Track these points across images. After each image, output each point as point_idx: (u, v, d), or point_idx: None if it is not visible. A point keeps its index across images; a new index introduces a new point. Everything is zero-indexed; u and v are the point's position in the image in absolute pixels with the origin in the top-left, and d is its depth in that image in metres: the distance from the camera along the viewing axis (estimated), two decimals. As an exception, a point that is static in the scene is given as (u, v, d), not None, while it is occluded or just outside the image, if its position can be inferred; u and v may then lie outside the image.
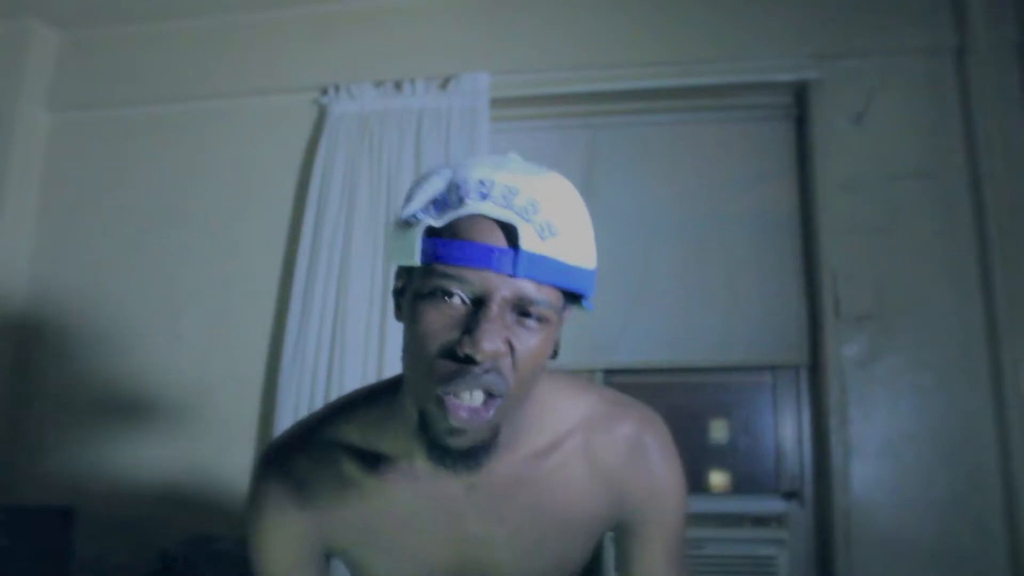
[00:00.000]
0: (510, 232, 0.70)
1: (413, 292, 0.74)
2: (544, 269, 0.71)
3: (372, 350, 2.28)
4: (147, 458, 2.45)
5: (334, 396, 2.25)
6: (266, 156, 2.63)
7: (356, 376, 2.26)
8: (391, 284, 2.30)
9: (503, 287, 0.70)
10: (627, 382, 2.38)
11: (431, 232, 0.72)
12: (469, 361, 0.69)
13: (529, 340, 0.73)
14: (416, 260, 0.72)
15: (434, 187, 0.75)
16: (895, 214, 2.18)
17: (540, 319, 0.73)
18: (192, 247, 2.61)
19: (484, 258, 0.69)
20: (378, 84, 2.52)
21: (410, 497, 0.85)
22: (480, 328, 0.68)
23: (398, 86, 2.50)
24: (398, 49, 2.59)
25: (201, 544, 2.10)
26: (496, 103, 2.45)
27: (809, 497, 2.24)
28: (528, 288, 0.70)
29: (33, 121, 2.79)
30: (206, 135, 2.70)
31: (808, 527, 2.23)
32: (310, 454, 0.88)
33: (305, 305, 2.36)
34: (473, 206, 0.71)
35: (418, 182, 0.78)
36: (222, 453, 2.42)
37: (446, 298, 0.71)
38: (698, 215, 2.41)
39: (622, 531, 0.93)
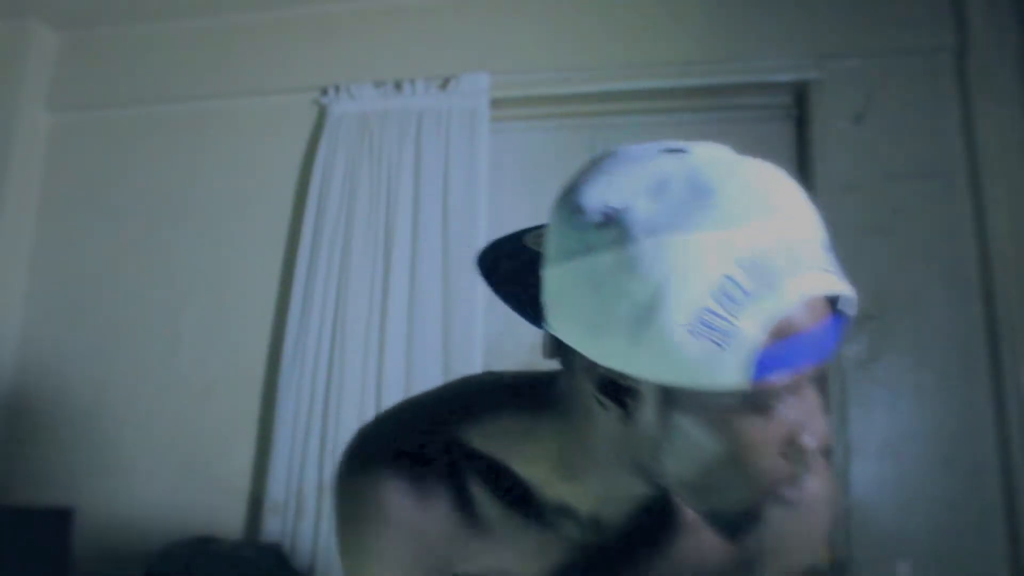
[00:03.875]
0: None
1: (693, 400, 0.53)
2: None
3: (372, 350, 2.28)
4: (147, 458, 2.45)
5: (334, 396, 2.26)
6: (266, 156, 2.63)
7: (356, 376, 2.26)
8: (392, 284, 2.31)
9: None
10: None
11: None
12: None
13: None
14: (738, 382, 0.50)
15: (715, 264, 0.48)
16: (895, 214, 2.18)
17: None
18: (192, 247, 2.61)
19: (824, 348, 0.52)
20: (378, 84, 2.52)
21: (550, 546, 0.66)
22: (822, 418, 0.55)
23: (398, 86, 2.50)
24: (398, 49, 2.59)
25: (201, 544, 2.10)
26: (496, 103, 2.44)
27: (809, 497, 2.24)
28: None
29: (33, 121, 2.79)
30: (206, 135, 2.70)
31: (808, 527, 2.22)
32: (432, 457, 0.67)
33: (305, 305, 2.36)
34: (810, 283, 0.50)
35: (655, 252, 0.49)
36: (222, 453, 2.42)
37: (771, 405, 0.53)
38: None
39: None
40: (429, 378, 2.24)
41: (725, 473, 0.55)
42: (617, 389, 0.55)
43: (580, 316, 0.52)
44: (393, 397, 2.23)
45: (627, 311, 0.50)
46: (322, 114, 2.57)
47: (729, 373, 0.49)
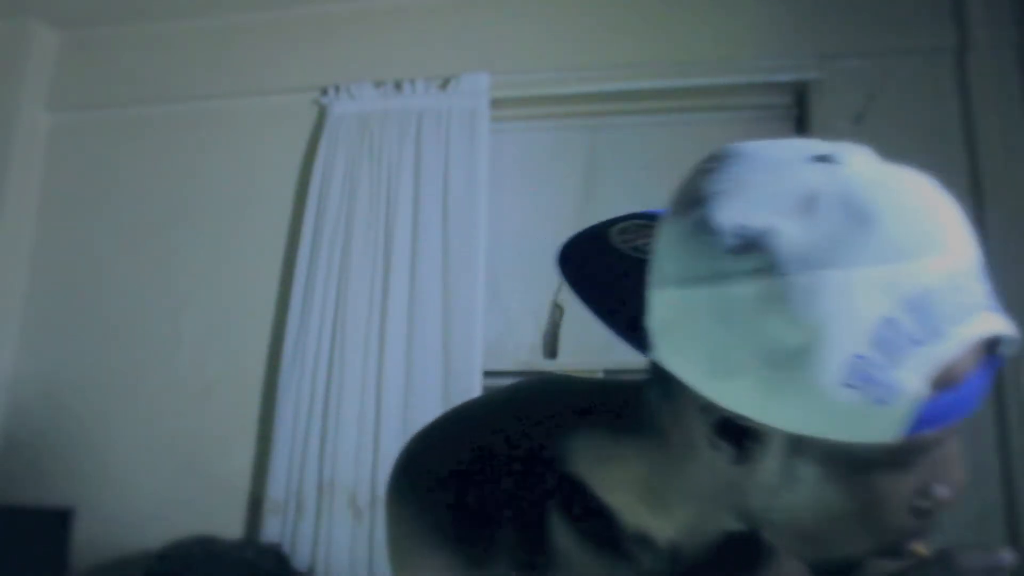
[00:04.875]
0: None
1: (826, 450, 0.46)
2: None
3: (372, 350, 2.28)
4: (147, 458, 2.45)
5: (334, 396, 2.26)
6: (266, 156, 2.63)
7: (356, 376, 2.26)
8: (392, 284, 2.31)
9: None
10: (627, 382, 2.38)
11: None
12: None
13: None
14: (890, 437, 0.44)
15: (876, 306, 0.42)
16: (895, 214, 2.18)
17: None
18: (192, 247, 2.61)
19: (982, 396, 0.46)
20: (378, 84, 2.52)
21: None
22: (959, 468, 0.50)
23: (398, 86, 2.50)
24: (398, 49, 2.59)
25: (201, 544, 2.10)
26: (496, 103, 2.44)
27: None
28: None
29: (33, 121, 2.79)
30: (206, 135, 2.70)
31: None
32: (499, 474, 0.59)
33: (305, 305, 2.36)
34: (978, 326, 0.44)
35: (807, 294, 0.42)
36: (222, 453, 2.42)
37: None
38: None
39: None
40: (429, 378, 2.24)
41: (844, 525, 0.49)
42: (736, 431, 0.48)
43: (702, 351, 0.46)
44: (393, 397, 2.23)
45: (767, 354, 0.43)
46: (322, 114, 2.57)
47: (882, 428, 0.43)
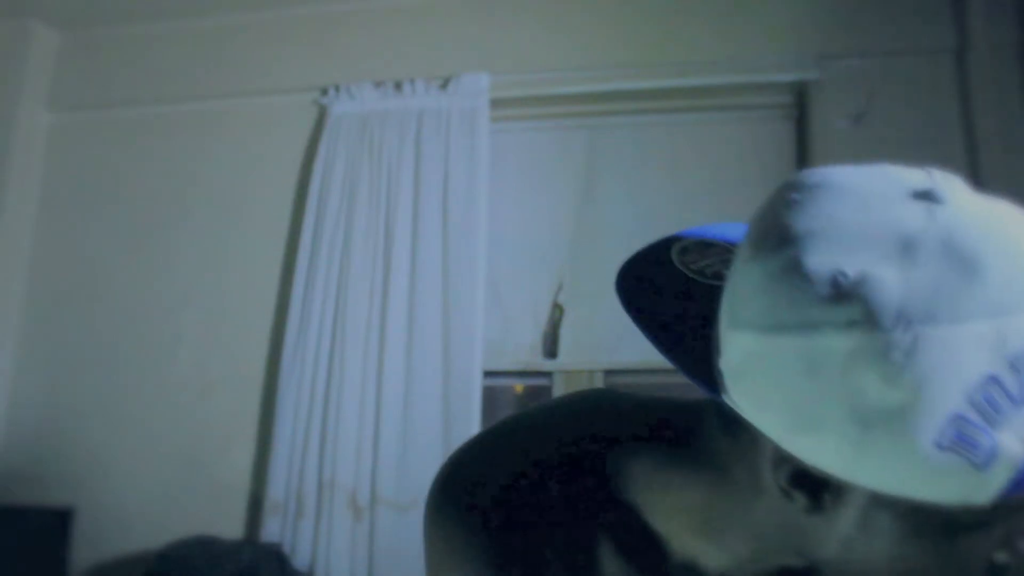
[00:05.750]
0: None
1: (910, 509, 0.44)
2: None
3: (372, 350, 2.28)
4: (147, 458, 2.45)
5: (334, 396, 2.26)
6: (266, 156, 2.63)
7: (356, 376, 2.26)
8: (392, 284, 2.31)
9: None
10: (627, 382, 2.38)
11: None
12: None
13: None
14: (984, 501, 0.41)
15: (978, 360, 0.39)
16: (895, 214, 2.18)
17: None
18: (192, 247, 2.61)
19: None
20: (378, 84, 2.52)
21: None
22: None
23: (398, 86, 2.50)
24: (398, 49, 2.59)
25: (201, 544, 2.10)
26: (496, 103, 2.44)
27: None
28: None
29: (33, 121, 2.79)
30: (206, 135, 2.70)
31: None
32: (550, 492, 0.57)
33: (305, 305, 2.36)
34: None
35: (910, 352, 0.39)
36: (222, 453, 2.42)
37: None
38: (698, 215, 2.41)
39: None
40: (429, 378, 2.24)
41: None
42: (813, 483, 0.45)
43: (785, 403, 0.43)
44: (393, 397, 2.23)
45: (857, 411, 0.40)
46: (322, 114, 2.57)
47: (977, 492, 0.40)
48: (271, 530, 2.22)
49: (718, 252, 0.53)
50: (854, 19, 2.31)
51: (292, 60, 2.66)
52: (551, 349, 2.39)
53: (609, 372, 2.39)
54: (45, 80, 2.82)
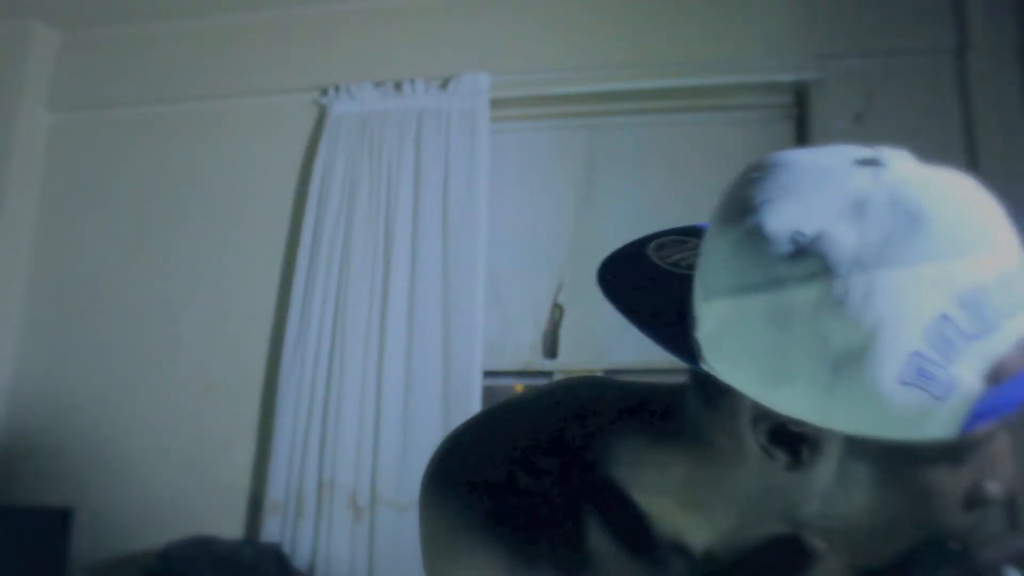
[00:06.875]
0: None
1: (882, 451, 0.47)
2: None
3: (372, 350, 2.28)
4: (147, 458, 2.45)
5: (334, 396, 2.26)
6: (266, 156, 2.63)
7: (356, 376, 2.26)
8: (392, 284, 2.31)
9: None
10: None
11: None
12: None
13: None
14: (947, 434, 0.44)
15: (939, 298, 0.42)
16: (895, 214, 2.18)
17: None
18: (192, 247, 2.61)
19: None
20: (378, 84, 2.52)
21: None
22: (1012, 463, 0.51)
23: (398, 86, 2.50)
24: (398, 49, 2.59)
25: (201, 544, 2.10)
26: (496, 103, 2.44)
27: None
28: None
29: (33, 121, 2.79)
30: (206, 135, 2.70)
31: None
32: (542, 473, 0.59)
33: (305, 305, 2.36)
34: None
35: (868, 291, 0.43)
36: (222, 453, 2.42)
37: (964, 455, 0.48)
38: (698, 215, 2.40)
39: None
40: (429, 378, 2.24)
41: (897, 524, 0.50)
42: (790, 438, 0.49)
43: (758, 359, 0.46)
44: (393, 397, 2.23)
45: (826, 357, 0.43)
46: (322, 114, 2.57)
47: (939, 425, 0.43)
48: (271, 530, 2.22)
49: (691, 247, 0.57)
50: (854, 19, 2.31)
51: (292, 60, 2.66)
52: (551, 349, 2.39)
53: (609, 372, 2.39)
54: (45, 80, 2.82)
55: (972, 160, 2.15)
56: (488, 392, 2.33)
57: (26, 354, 2.65)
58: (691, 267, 0.53)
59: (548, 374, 2.39)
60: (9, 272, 2.68)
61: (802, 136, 2.38)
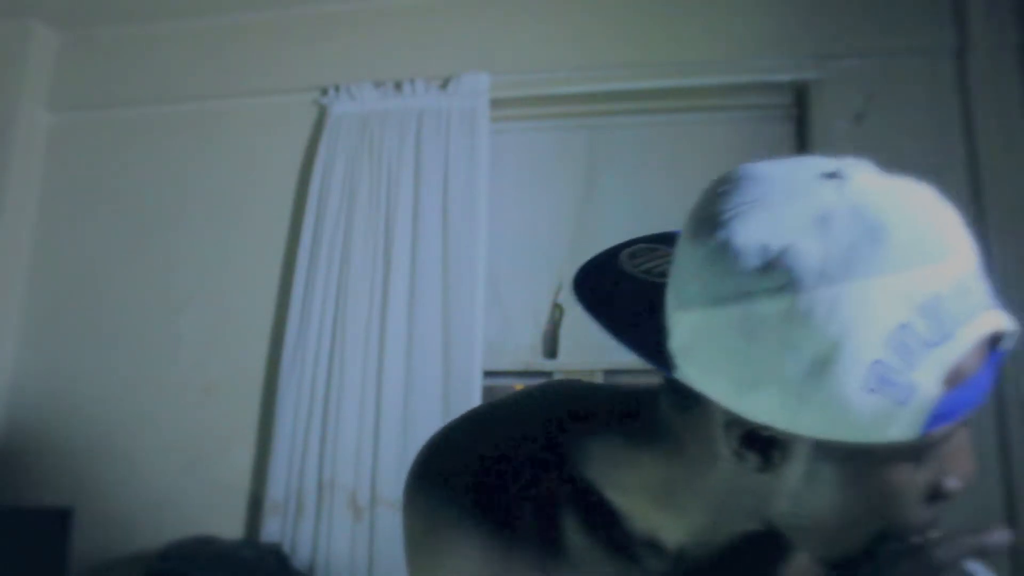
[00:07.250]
0: None
1: (846, 453, 0.49)
2: None
3: (372, 350, 2.28)
4: (147, 458, 2.45)
5: (334, 396, 2.26)
6: (266, 156, 2.63)
7: (356, 376, 2.26)
8: (392, 284, 2.31)
9: None
10: (627, 382, 2.38)
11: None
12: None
13: None
14: (909, 436, 0.46)
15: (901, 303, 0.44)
16: (895, 214, 2.18)
17: None
18: (192, 247, 2.61)
19: (987, 390, 0.48)
20: (378, 84, 2.52)
21: None
22: (969, 458, 0.53)
23: (398, 86, 2.50)
24: (398, 49, 2.59)
25: (201, 544, 2.10)
26: (496, 103, 2.44)
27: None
28: None
29: (33, 121, 2.79)
30: (206, 135, 2.70)
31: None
32: (520, 472, 0.62)
33: (305, 305, 2.36)
34: (983, 325, 0.47)
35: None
36: (222, 453, 2.42)
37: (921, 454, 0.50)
38: (698, 215, 2.41)
39: None
40: (429, 378, 2.24)
41: (862, 521, 0.53)
42: (761, 442, 0.51)
43: (729, 368, 0.48)
44: (393, 397, 2.23)
45: (794, 366, 0.45)
46: (322, 114, 2.57)
47: (902, 428, 0.46)
48: (271, 530, 2.22)
49: (663, 255, 0.59)
50: (854, 19, 2.31)
51: (292, 60, 2.66)
52: (551, 349, 2.39)
53: (609, 372, 2.39)
54: (45, 80, 2.82)
55: (972, 160, 2.15)
56: (488, 392, 2.33)
57: (26, 354, 2.65)
58: (663, 275, 0.55)
59: (548, 374, 2.39)
60: (9, 272, 2.68)
61: (802, 136, 2.38)
